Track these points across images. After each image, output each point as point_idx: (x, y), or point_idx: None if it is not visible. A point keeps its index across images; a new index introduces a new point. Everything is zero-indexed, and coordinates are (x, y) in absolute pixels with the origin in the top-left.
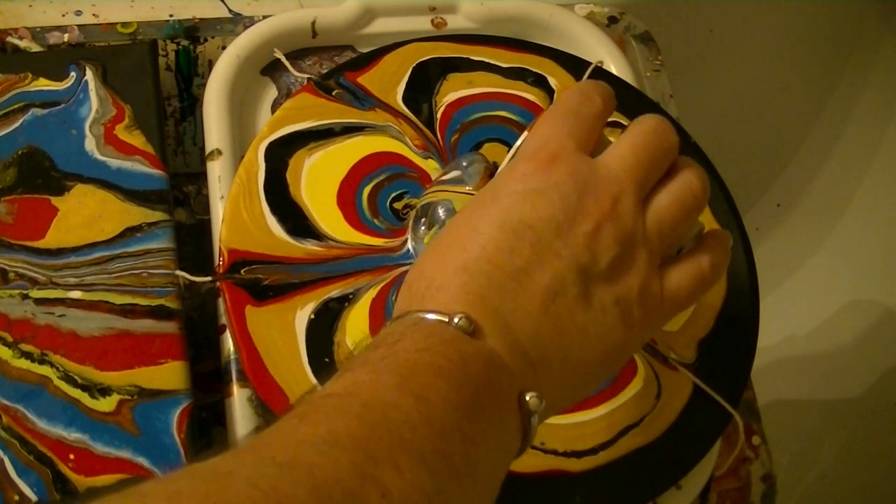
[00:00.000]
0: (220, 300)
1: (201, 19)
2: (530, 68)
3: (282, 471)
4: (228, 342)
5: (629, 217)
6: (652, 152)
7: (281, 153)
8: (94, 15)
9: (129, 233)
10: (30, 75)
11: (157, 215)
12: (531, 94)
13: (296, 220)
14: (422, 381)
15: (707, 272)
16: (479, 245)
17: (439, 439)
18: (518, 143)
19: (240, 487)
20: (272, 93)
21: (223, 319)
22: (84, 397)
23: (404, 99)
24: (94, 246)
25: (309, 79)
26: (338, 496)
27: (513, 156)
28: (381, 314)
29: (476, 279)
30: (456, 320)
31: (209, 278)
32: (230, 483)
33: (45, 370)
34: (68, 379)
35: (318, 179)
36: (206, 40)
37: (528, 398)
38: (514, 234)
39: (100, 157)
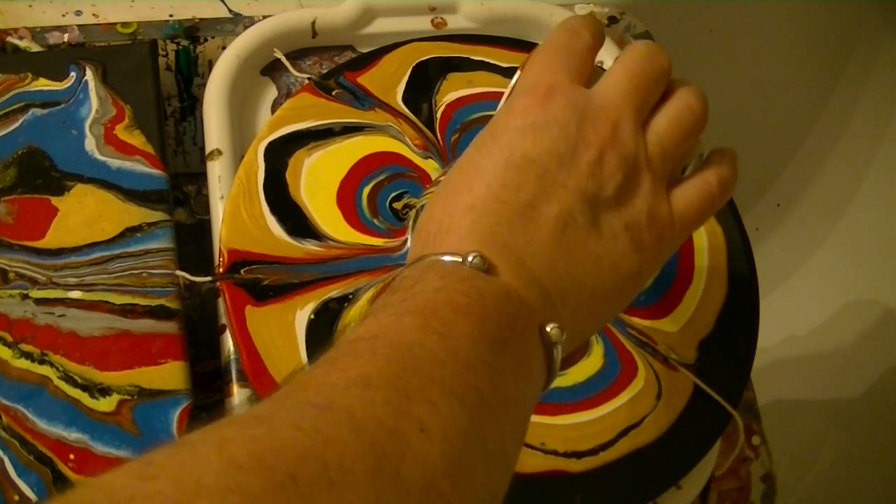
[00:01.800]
0: (220, 300)
1: (201, 19)
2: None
3: (322, 412)
4: (228, 342)
5: (630, 141)
6: (646, 76)
7: (280, 153)
8: (94, 15)
9: (129, 233)
10: (30, 75)
11: (157, 215)
12: None
13: (295, 220)
14: (443, 319)
15: (715, 188)
16: (485, 184)
17: (467, 373)
18: (511, 84)
19: (285, 431)
20: (272, 93)
21: (223, 319)
22: (84, 397)
23: (404, 99)
24: (94, 246)
25: (309, 79)
26: (379, 434)
27: (508, 95)
28: None
29: (485, 217)
30: (470, 259)
31: (209, 278)
32: (274, 427)
33: (45, 370)
34: (68, 379)
35: (317, 179)
36: (206, 40)
37: (549, 329)
38: (518, 169)
39: (100, 157)
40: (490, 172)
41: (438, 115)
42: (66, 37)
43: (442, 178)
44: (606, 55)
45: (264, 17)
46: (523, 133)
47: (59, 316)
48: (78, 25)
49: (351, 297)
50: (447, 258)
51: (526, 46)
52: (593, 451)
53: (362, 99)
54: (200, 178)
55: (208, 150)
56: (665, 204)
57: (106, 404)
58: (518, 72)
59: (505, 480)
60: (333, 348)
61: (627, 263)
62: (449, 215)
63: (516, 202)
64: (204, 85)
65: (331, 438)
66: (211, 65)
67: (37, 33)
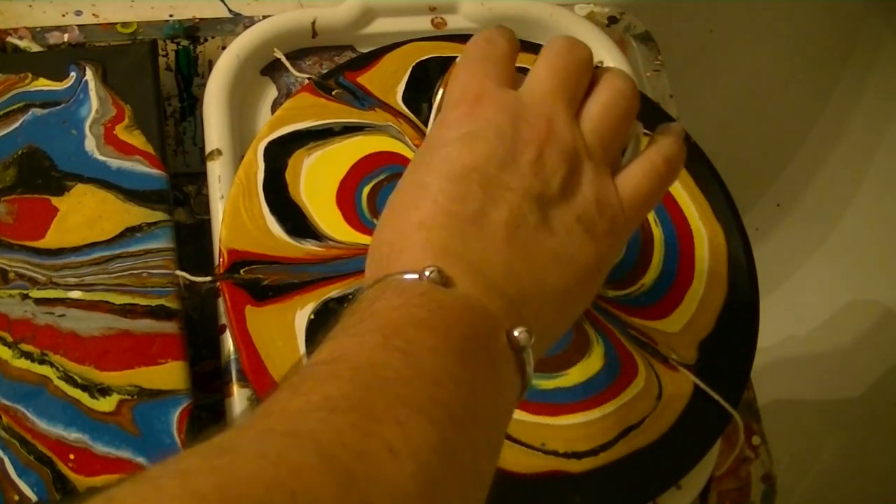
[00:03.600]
0: (220, 300)
1: (201, 19)
2: (530, 68)
3: (287, 439)
4: (228, 342)
5: (567, 134)
6: (569, 68)
7: (280, 153)
8: (94, 15)
9: (129, 233)
10: (30, 75)
11: (157, 215)
12: None
13: (295, 220)
14: (405, 336)
15: (661, 166)
16: (431, 199)
17: (434, 389)
18: (437, 101)
19: (248, 460)
20: (272, 93)
21: (223, 319)
22: (84, 397)
23: (404, 98)
24: (94, 246)
25: (309, 79)
26: (346, 458)
27: (436, 113)
28: None
29: (436, 232)
30: (427, 273)
31: (209, 278)
32: (237, 457)
33: (45, 370)
34: (68, 379)
35: (317, 179)
36: (206, 40)
37: (516, 334)
38: (461, 179)
39: (100, 157)
40: (434, 187)
41: None
42: (66, 37)
43: None
44: (606, 54)
45: (264, 17)
46: (460, 143)
47: (59, 316)
48: (78, 25)
49: (351, 297)
50: (404, 276)
51: (526, 46)
52: (593, 452)
53: (362, 99)
54: (200, 178)
55: (208, 150)
56: (612, 190)
57: (106, 404)
58: (440, 89)
59: (481, 495)
60: (295, 374)
61: (585, 255)
62: (400, 235)
63: (465, 213)
64: (204, 85)
65: (297, 466)
66: (211, 65)
67: (37, 33)
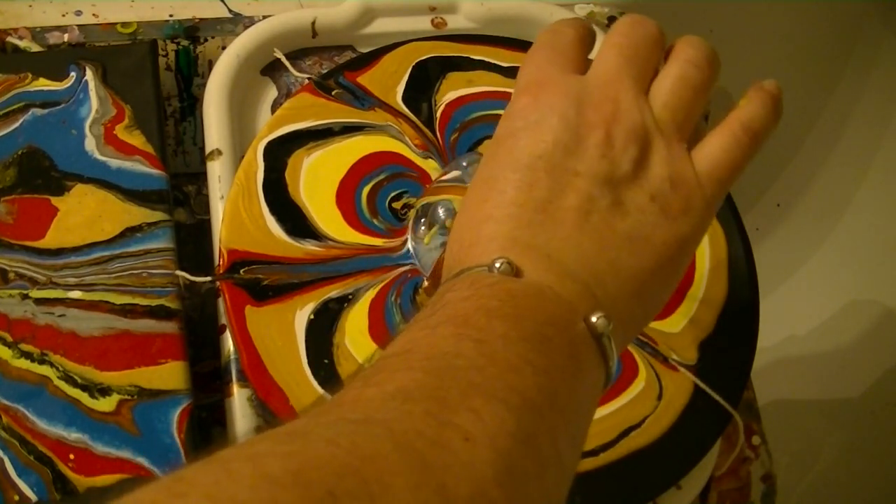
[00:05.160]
0: (220, 300)
1: (201, 19)
2: None
3: (359, 427)
4: (228, 342)
5: (634, 113)
6: (636, 46)
7: (280, 153)
8: (94, 15)
9: (129, 233)
10: (30, 75)
11: (157, 215)
12: None
13: (295, 220)
14: (476, 325)
15: (740, 135)
16: (498, 191)
17: (509, 376)
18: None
19: (321, 446)
20: (272, 93)
21: (223, 319)
22: (84, 397)
23: (404, 98)
24: (94, 246)
25: (309, 79)
26: (420, 446)
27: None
28: (380, 314)
29: (503, 224)
30: (497, 265)
31: (209, 278)
32: (310, 442)
33: (45, 370)
34: (68, 379)
35: (317, 179)
36: (206, 40)
37: (594, 319)
38: (527, 169)
39: (100, 157)
40: (501, 179)
41: (438, 114)
42: (66, 37)
43: (442, 178)
44: None
45: (264, 17)
46: (525, 132)
47: (59, 316)
48: (78, 25)
49: (350, 297)
50: (474, 270)
51: (526, 46)
52: (593, 452)
53: (362, 99)
54: (200, 178)
55: (208, 150)
56: (687, 165)
57: (106, 404)
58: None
59: (563, 484)
60: (367, 368)
61: (661, 234)
62: (470, 230)
63: (532, 202)
64: (204, 85)
65: (369, 453)
66: (211, 65)
67: (37, 33)
